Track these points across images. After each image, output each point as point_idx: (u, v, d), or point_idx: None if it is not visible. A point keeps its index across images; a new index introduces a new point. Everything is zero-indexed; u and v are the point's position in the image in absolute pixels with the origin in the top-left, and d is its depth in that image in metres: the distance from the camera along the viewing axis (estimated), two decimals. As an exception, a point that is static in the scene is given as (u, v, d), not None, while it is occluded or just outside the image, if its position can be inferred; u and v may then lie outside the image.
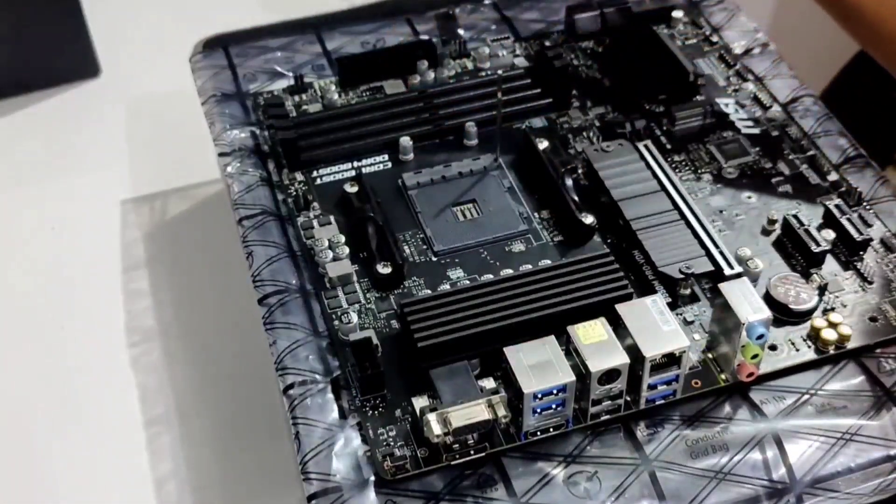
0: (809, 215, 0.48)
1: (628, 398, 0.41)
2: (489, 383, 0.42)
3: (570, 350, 0.40)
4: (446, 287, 0.46)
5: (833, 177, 0.50)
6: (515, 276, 0.44)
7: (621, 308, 0.41)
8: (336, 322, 0.45)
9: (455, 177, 0.50)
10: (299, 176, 0.51)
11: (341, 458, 0.40)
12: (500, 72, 0.53)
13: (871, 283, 0.46)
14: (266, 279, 0.47)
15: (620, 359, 0.39)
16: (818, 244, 0.46)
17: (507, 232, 0.48)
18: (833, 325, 0.43)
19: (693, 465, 0.40)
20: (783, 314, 0.44)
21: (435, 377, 0.41)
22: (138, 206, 0.63)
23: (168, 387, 0.54)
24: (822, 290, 0.45)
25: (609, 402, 0.41)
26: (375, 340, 0.42)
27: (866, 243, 0.47)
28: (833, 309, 0.45)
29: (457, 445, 0.40)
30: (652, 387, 0.41)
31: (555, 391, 0.39)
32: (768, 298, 0.44)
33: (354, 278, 0.46)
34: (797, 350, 0.43)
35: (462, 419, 0.39)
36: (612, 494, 0.39)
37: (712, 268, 0.45)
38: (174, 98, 0.66)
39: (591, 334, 0.40)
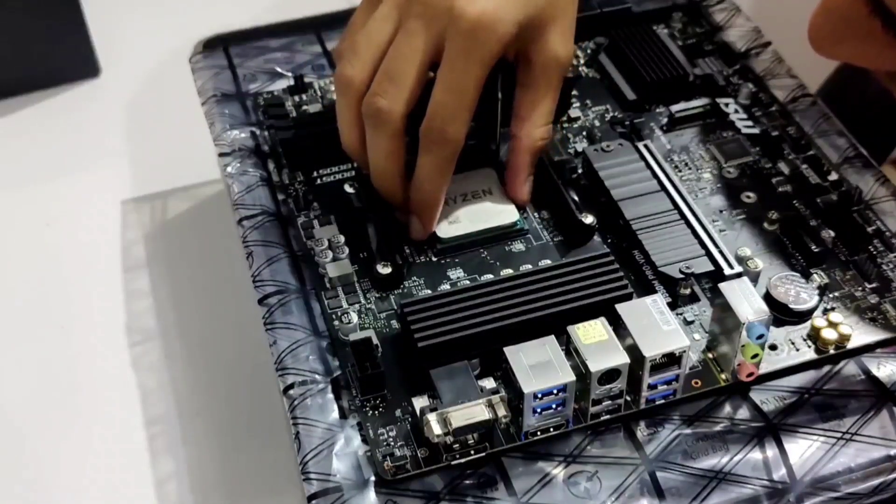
0: (809, 215, 0.48)
1: (628, 398, 0.41)
2: (489, 383, 0.42)
3: (570, 350, 0.40)
4: (446, 287, 0.46)
5: (833, 176, 0.50)
6: (515, 276, 0.44)
7: (621, 308, 0.41)
8: (336, 322, 0.45)
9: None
10: (299, 176, 0.51)
11: (341, 458, 0.40)
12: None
13: (871, 282, 0.46)
14: (266, 279, 0.47)
15: (620, 359, 0.39)
16: (818, 244, 0.46)
17: (506, 232, 0.48)
18: (833, 325, 0.43)
19: (693, 465, 0.40)
20: (783, 314, 0.44)
21: (435, 377, 0.41)
22: (138, 206, 0.63)
23: (168, 387, 0.54)
24: (823, 289, 0.45)
25: (609, 401, 0.41)
26: (375, 340, 0.42)
27: (866, 243, 0.47)
28: (833, 309, 0.45)
29: (457, 445, 0.40)
30: (652, 387, 0.41)
31: (555, 391, 0.39)
32: (768, 298, 0.44)
33: (354, 278, 0.46)
34: (797, 350, 0.43)
35: (462, 419, 0.39)
36: (612, 494, 0.39)
37: (712, 268, 0.45)
38: (174, 98, 0.66)
39: (591, 334, 0.40)
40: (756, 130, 0.53)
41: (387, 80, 0.44)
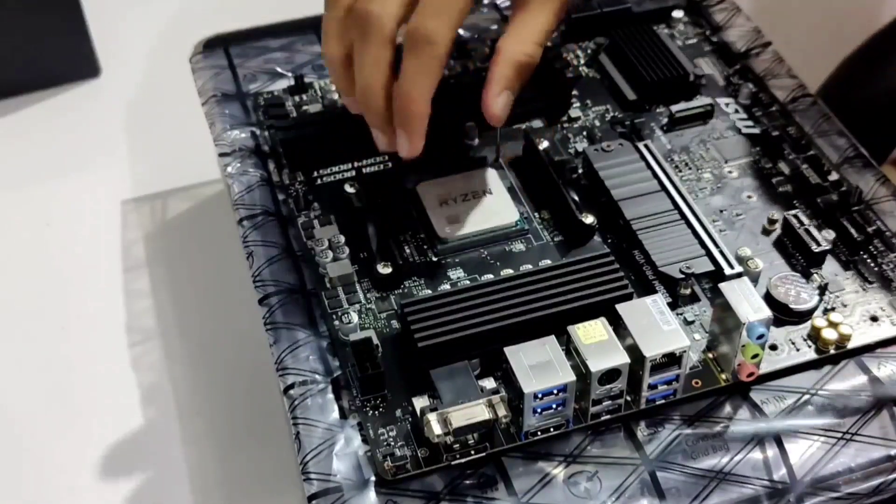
0: (809, 215, 0.48)
1: (628, 398, 0.41)
2: (489, 383, 0.42)
3: (571, 350, 0.40)
4: (446, 287, 0.46)
5: (833, 176, 0.50)
6: (515, 276, 0.44)
7: (621, 308, 0.41)
8: (336, 322, 0.45)
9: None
10: (299, 176, 0.51)
11: (342, 458, 0.40)
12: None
13: (871, 282, 0.46)
14: (266, 279, 0.47)
15: (620, 359, 0.39)
16: (818, 244, 0.46)
17: (507, 232, 0.48)
18: (833, 325, 0.43)
19: (693, 465, 0.40)
20: (783, 314, 0.44)
21: (435, 377, 0.41)
22: (138, 206, 0.63)
23: (168, 387, 0.54)
24: (823, 289, 0.45)
25: (609, 401, 0.41)
26: (375, 340, 0.42)
27: (867, 243, 0.47)
28: (833, 309, 0.45)
29: (457, 445, 0.40)
30: (652, 387, 0.41)
31: (555, 391, 0.39)
32: (768, 298, 0.44)
33: (354, 278, 0.46)
34: (797, 350, 0.43)
35: (462, 419, 0.39)
36: (612, 494, 0.39)
37: (712, 268, 0.45)
38: (174, 98, 0.66)
39: (592, 334, 0.40)
40: (756, 130, 0.53)
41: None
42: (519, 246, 0.48)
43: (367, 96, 0.44)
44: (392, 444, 0.41)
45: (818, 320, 0.43)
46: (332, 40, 0.45)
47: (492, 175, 0.50)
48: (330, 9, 0.45)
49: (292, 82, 0.55)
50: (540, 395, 0.39)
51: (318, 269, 0.47)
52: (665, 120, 0.53)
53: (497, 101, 0.45)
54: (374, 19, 0.42)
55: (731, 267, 0.45)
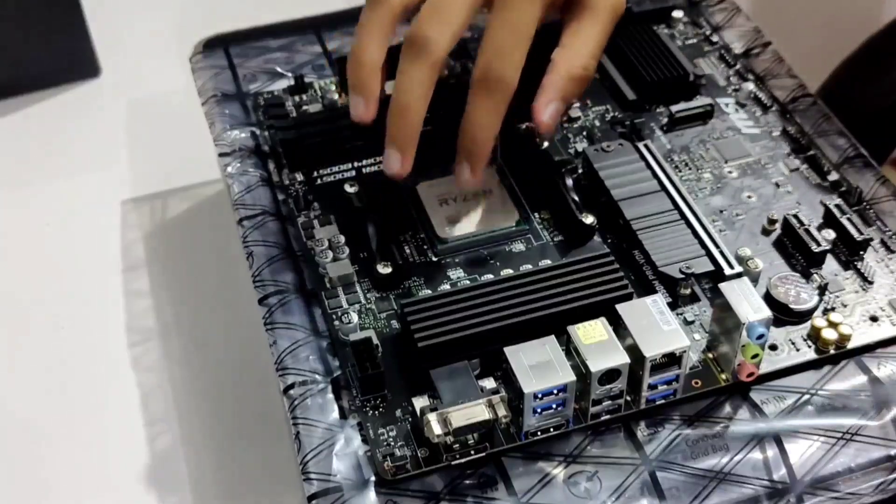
0: (809, 215, 0.48)
1: (628, 398, 0.41)
2: (489, 383, 0.42)
3: (571, 350, 0.40)
4: (446, 287, 0.46)
5: (833, 176, 0.50)
6: (515, 276, 0.44)
7: (621, 308, 0.41)
8: (336, 322, 0.45)
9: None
10: (299, 176, 0.51)
11: (342, 458, 0.40)
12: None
13: (871, 282, 0.46)
14: (266, 279, 0.47)
15: (620, 359, 0.39)
16: (818, 244, 0.46)
17: (507, 232, 0.48)
18: (833, 325, 0.43)
19: (693, 465, 0.40)
20: (783, 314, 0.44)
21: (435, 377, 0.41)
22: (138, 206, 0.63)
23: (168, 387, 0.54)
24: (823, 289, 0.45)
25: (609, 401, 0.41)
26: (375, 340, 0.42)
27: (867, 243, 0.47)
28: (833, 309, 0.45)
29: (457, 445, 0.40)
30: (652, 387, 0.41)
31: (555, 391, 0.39)
32: (768, 298, 0.44)
33: (354, 278, 0.46)
34: (797, 350, 0.43)
35: (462, 419, 0.39)
36: (612, 494, 0.39)
37: (712, 268, 0.45)
38: (174, 98, 0.66)
39: (592, 334, 0.40)
40: (756, 130, 0.53)
41: (435, 13, 0.44)
42: (519, 246, 0.48)
43: (405, 115, 0.44)
44: (392, 444, 0.41)
45: (818, 320, 0.43)
46: (372, 44, 0.45)
47: (492, 175, 0.50)
48: (372, 8, 0.45)
49: (292, 82, 0.55)
50: (540, 395, 0.39)
51: (318, 269, 0.47)
52: (665, 120, 0.53)
53: (547, 109, 0.46)
54: (431, 45, 0.43)
55: (731, 267, 0.45)
